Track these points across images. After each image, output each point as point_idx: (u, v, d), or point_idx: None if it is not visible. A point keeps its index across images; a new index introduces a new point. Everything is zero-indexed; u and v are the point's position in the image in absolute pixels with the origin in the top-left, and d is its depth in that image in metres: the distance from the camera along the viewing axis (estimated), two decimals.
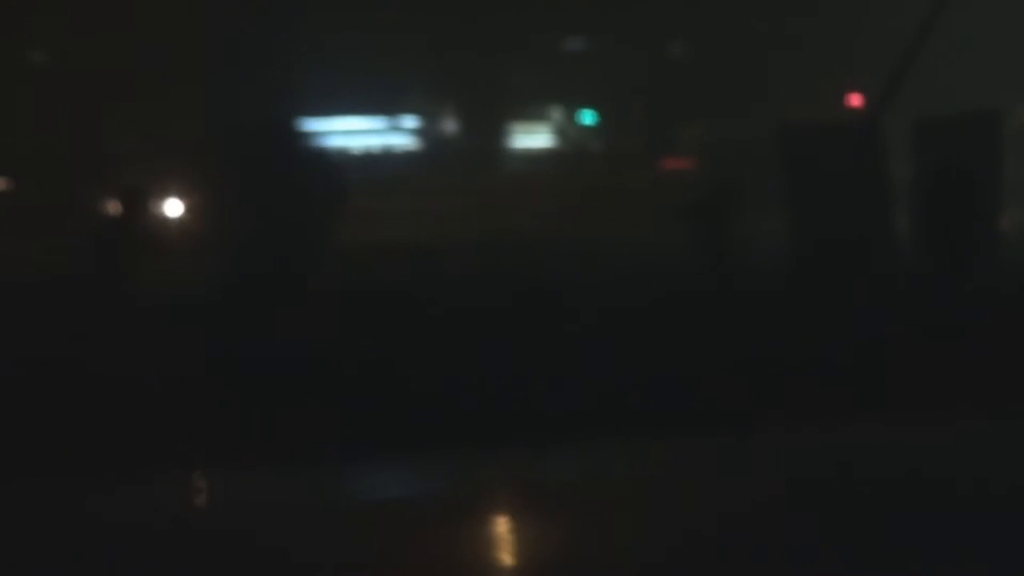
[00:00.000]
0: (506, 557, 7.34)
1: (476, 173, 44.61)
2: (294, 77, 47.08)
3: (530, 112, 57.44)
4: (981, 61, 34.46)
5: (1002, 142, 22.77)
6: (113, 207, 24.19)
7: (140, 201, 22.40)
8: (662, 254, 22.96)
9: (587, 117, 58.31)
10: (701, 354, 14.97)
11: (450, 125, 52.16)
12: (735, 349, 15.33)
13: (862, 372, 15.43)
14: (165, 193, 25.66)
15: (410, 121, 58.12)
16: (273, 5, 44.59)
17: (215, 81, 39.67)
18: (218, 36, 40.11)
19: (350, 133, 57.36)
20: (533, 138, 57.09)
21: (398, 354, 15.39)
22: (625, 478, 10.93)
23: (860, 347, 15.22)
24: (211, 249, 19.91)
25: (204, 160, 23.03)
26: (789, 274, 20.99)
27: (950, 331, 15.88)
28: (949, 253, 20.56)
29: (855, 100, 35.02)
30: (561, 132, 57.92)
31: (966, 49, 32.83)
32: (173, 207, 25.06)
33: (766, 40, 47.26)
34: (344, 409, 13.17)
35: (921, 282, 19.80)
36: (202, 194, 23.09)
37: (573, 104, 57.52)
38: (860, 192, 21.39)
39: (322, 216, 19.82)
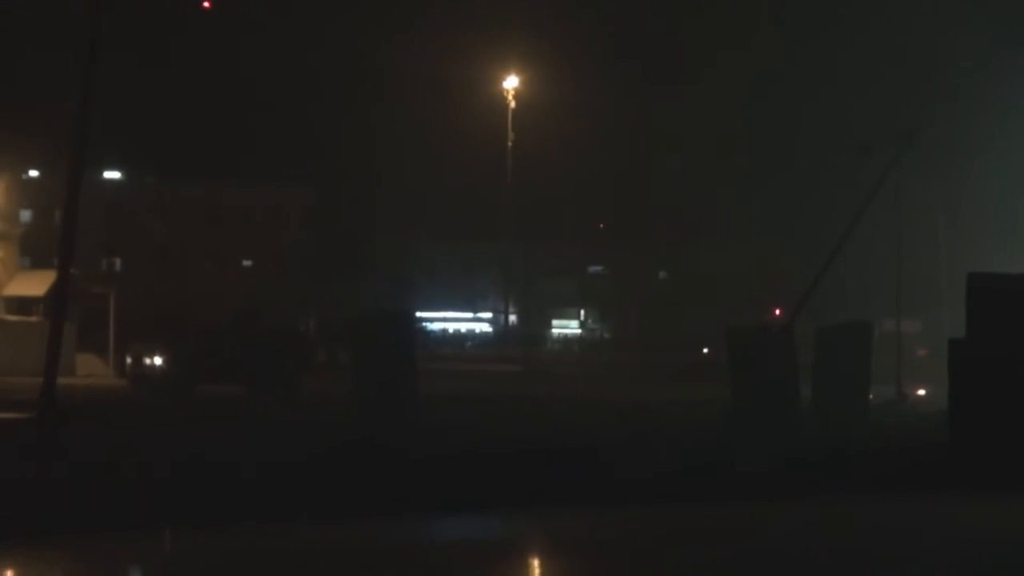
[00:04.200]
0: None
1: (528, 348, 45.89)
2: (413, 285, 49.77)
3: (564, 312, 60.45)
4: (856, 292, 35.66)
5: (871, 342, 23.34)
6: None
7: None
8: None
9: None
10: None
11: (512, 318, 54.33)
12: None
13: None
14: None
15: (487, 314, 60.81)
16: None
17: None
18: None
19: (447, 320, 60.36)
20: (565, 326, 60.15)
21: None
22: None
23: None
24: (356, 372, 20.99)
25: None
26: None
27: None
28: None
29: (778, 312, 36.18)
30: (582, 324, 60.68)
31: (847, 285, 33.84)
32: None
33: (725, 273, 48.78)
34: None
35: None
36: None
37: (591, 307, 60.16)
38: (778, 366, 21.94)
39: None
